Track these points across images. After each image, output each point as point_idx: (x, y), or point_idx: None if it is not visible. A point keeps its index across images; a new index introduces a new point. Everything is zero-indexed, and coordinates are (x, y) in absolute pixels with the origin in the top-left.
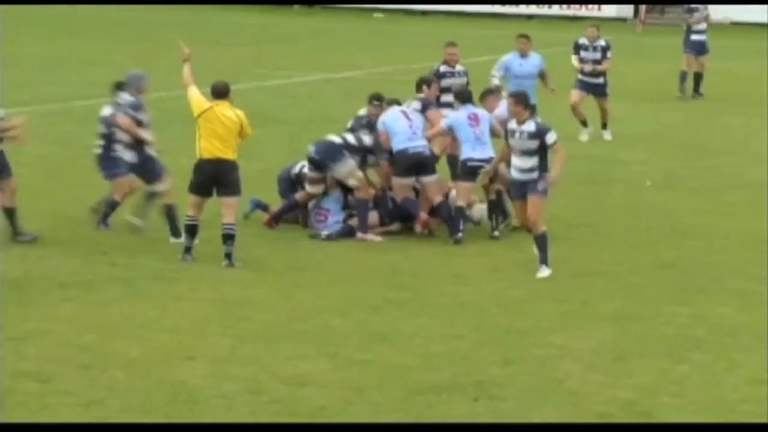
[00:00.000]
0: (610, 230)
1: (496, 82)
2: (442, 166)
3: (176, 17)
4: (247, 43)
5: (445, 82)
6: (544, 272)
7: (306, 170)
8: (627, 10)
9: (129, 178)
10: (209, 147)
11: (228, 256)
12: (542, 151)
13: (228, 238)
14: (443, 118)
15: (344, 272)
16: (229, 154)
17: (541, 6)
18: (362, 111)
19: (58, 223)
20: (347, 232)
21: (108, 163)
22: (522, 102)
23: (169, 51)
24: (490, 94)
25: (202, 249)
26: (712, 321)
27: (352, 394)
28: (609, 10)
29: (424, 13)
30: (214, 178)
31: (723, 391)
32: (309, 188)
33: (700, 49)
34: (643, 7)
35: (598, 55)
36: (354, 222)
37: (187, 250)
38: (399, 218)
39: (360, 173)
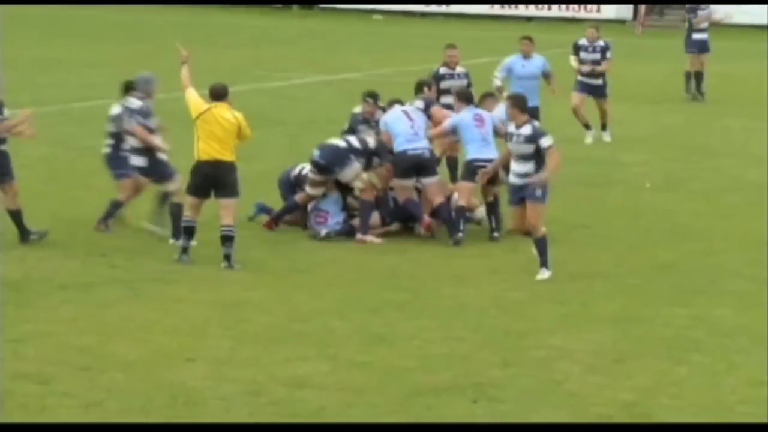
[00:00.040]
0: (609, 232)
1: (498, 83)
2: (442, 168)
3: (175, 19)
4: (246, 44)
5: (445, 84)
6: (544, 275)
7: (307, 172)
8: (626, 11)
9: (135, 178)
10: (207, 149)
11: (227, 257)
12: (538, 156)
13: (227, 239)
14: (447, 116)
15: (343, 274)
16: (227, 156)
17: (540, 7)
18: (357, 109)
19: (58, 225)
20: (347, 231)
21: (117, 162)
22: (518, 105)
23: (167, 53)
24: (488, 97)
25: (201, 251)
26: (712, 322)
27: (351, 395)
28: (608, 12)
29: (423, 14)
30: (213, 179)
31: (722, 392)
32: (309, 190)
33: (702, 47)
34: (642, 9)
35: (597, 56)
36: (356, 222)
37: (184, 250)
38: (400, 218)
39: (365, 175)
